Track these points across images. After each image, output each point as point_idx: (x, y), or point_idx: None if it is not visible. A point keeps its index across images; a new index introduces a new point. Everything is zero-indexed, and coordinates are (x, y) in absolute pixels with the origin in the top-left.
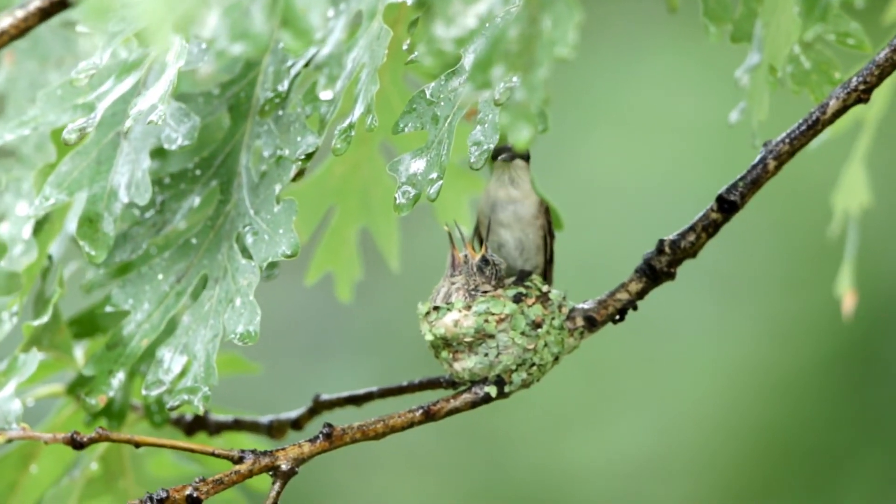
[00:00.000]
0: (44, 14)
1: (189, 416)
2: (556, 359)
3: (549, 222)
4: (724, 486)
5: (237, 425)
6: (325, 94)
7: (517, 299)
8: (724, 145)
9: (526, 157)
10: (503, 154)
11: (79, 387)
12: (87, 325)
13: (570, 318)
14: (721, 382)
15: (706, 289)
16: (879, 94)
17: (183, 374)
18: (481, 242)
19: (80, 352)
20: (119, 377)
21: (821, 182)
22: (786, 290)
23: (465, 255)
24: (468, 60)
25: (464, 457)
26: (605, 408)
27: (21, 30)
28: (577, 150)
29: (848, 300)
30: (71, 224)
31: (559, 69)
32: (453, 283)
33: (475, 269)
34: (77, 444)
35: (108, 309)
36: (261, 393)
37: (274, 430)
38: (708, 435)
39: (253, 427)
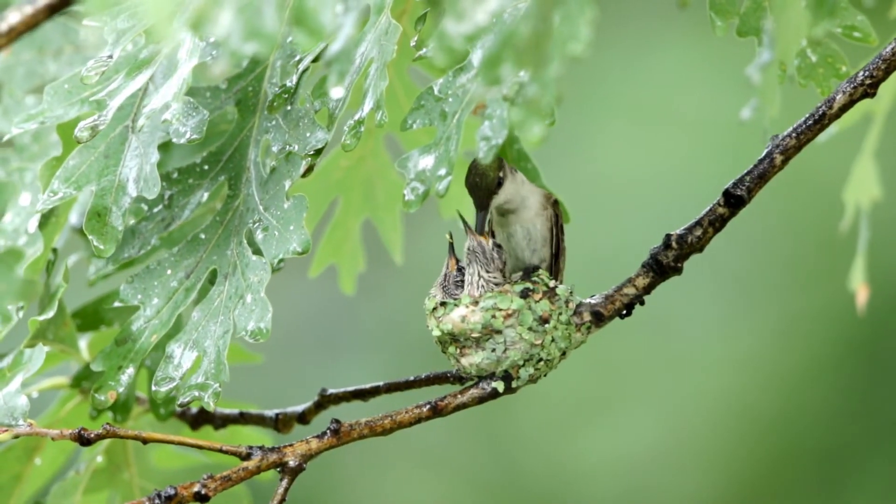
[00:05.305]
0: (51, 9)
1: (194, 410)
2: (564, 354)
3: (557, 215)
4: (733, 480)
5: (243, 419)
6: (336, 92)
7: (524, 294)
8: (734, 140)
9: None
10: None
11: (84, 380)
12: (91, 317)
13: (577, 313)
14: (729, 377)
15: (714, 285)
16: (888, 88)
17: (193, 370)
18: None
19: (83, 343)
20: (128, 373)
21: (829, 177)
22: (794, 285)
23: (480, 243)
24: (476, 56)
25: (475, 453)
26: (614, 404)
27: (29, 25)
28: (588, 144)
29: (861, 294)
30: (74, 215)
31: (572, 64)
32: (471, 273)
33: (491, 254)
34: (85, 441)
35: (116, 304)
36: (270, 388)
37: (280, 423)
38: (717, 429)
39: (259, 420)
